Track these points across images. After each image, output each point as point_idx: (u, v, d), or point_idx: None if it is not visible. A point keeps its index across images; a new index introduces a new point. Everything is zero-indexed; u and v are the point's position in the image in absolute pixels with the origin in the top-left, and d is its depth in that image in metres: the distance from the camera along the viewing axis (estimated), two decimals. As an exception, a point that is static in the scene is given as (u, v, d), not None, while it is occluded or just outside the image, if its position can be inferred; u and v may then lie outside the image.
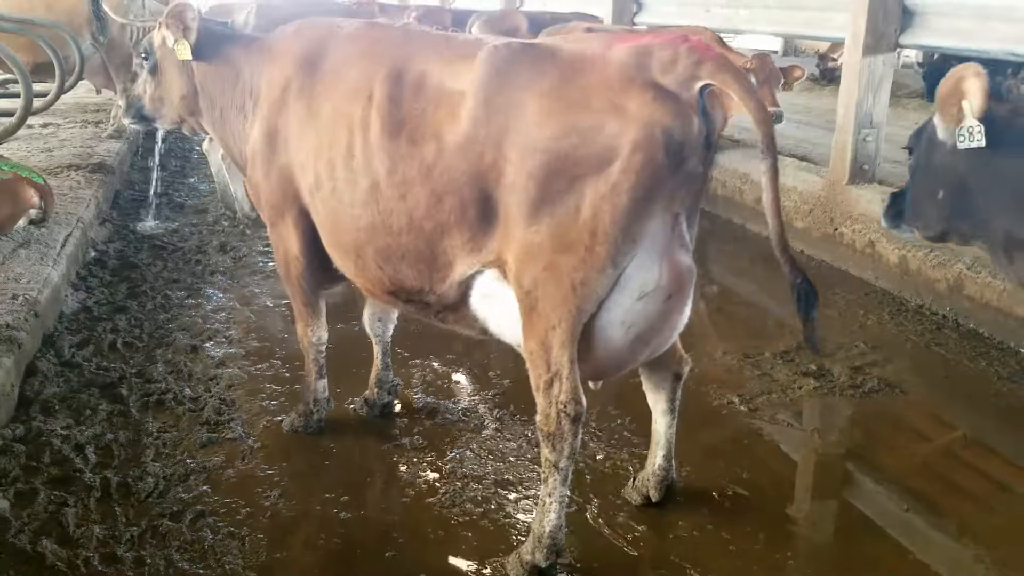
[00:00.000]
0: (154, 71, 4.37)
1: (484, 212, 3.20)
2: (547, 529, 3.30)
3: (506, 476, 4.07)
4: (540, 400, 3.18)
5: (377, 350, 4.57)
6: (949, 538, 3.78)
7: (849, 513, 3.98)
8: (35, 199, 4.86)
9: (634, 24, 10.95)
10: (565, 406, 3.11)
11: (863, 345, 5.67)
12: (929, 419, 4.96)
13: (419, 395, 4.82)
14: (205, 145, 8.02)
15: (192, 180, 9.82)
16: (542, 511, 3.31)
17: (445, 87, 3.31)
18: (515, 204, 3.07)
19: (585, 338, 3.12)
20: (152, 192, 8.20)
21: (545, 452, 3.23)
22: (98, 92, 11.13)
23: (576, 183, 2.96)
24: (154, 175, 8.19)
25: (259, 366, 5.13)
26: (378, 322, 4.52)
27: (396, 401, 4.67)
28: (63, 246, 6.02)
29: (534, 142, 3.00)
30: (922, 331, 5.96)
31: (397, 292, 3.64)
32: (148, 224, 7.85)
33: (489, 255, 3.25)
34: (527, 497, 3.91)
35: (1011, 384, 5.21)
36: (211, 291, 6.32)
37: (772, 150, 3.00)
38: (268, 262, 7.00)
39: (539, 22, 9.95)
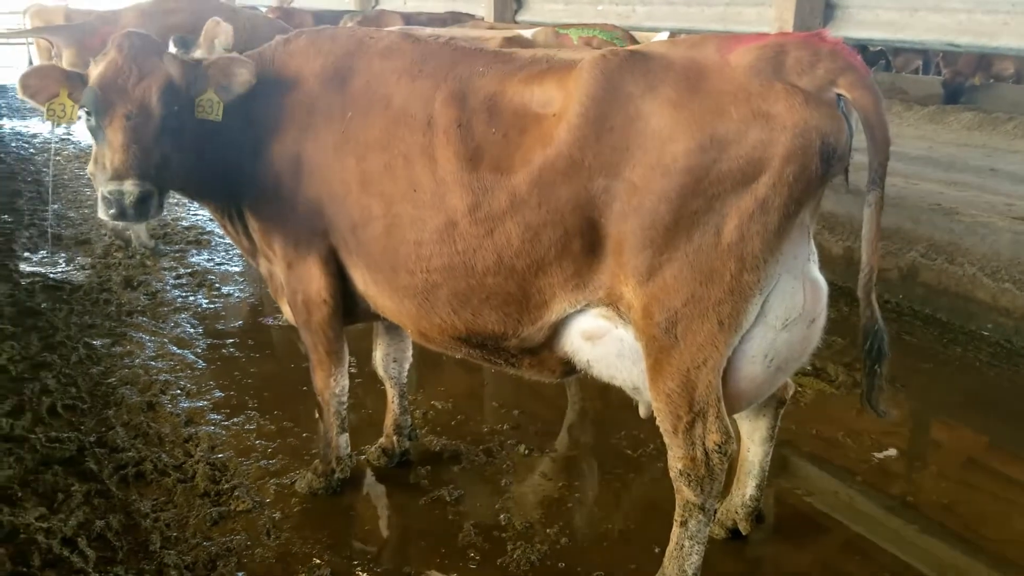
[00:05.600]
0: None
1: (591, 243, 2.85)
2: (690, 574, 2.99)
3: (575, 523, 3.71)
4: (678, 442, 2.85)
5: (393, 393, 4.10)
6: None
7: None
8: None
9: (516, 23, 10.57)
10: (720, 446, 2.81)
11: (840, 340, 5.63)
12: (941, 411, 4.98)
13: (430, 437, 4.37)
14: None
15: (56, 207, 8.77)
16: (680, 557, 2.99)
17: (530, 109, 2.93)
18: (637, 230, 2.72)
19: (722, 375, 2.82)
20: (48, 224, 7.23)
21: (687, 495, 2.91)
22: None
23: (715, 202, 2.65)
24: (49, 201, 7.22)
25: (235, 419, 4.52)
26: (393, 363, 4.06)
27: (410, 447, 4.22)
28: (-42, 296, 5.16)
29: (665, 159, 2.67)
30: (885, 320, 5.98)
31: (468, 338, 3.22)
32: (31, 260, 6.92)
33: (597, 291, 2.91)
34: (614, 544, 3.59)
35: (994, 368, 5.33)
36: (138, 335, 5.57)
37: (882, 181, 2.73)
38: (190, 296, 6.30)
39: (415, 23, 9.52)
